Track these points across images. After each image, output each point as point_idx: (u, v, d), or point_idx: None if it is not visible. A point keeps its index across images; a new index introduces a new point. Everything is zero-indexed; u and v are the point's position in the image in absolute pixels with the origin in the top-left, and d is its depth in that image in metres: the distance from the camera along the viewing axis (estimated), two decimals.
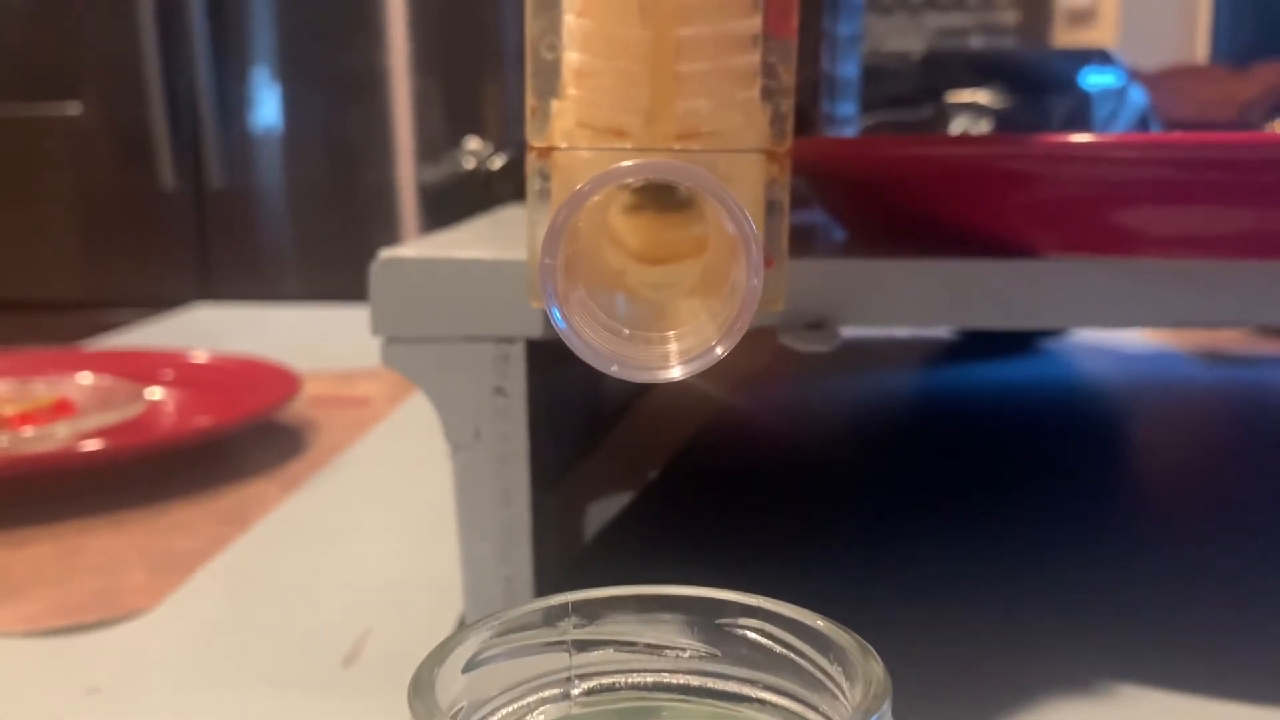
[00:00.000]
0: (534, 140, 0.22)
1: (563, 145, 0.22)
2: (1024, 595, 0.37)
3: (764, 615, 0.15)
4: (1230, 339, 0.78)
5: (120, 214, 1.59)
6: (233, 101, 1.55)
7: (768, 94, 0.22)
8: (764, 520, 0.44)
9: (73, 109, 1.56)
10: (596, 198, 0.16)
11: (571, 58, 0.22)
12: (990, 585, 0.37)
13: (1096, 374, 0.72)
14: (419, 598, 0.37)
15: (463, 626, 0.14)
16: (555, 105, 0.22)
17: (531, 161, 0.22)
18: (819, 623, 0.15)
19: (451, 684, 0.14)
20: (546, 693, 0.15)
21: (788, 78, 0.22)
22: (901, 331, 0.80)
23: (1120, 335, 0.80)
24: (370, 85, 1.54)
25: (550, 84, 0.22)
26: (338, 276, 1.28)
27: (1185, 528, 0.44)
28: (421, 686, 0.13)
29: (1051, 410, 0.63)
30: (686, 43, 0.21)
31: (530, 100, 0.22)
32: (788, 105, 0.22)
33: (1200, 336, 0.79)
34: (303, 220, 1.59)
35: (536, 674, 0.15)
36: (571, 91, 0.22)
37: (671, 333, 0.17)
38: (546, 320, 0.31)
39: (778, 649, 0.15)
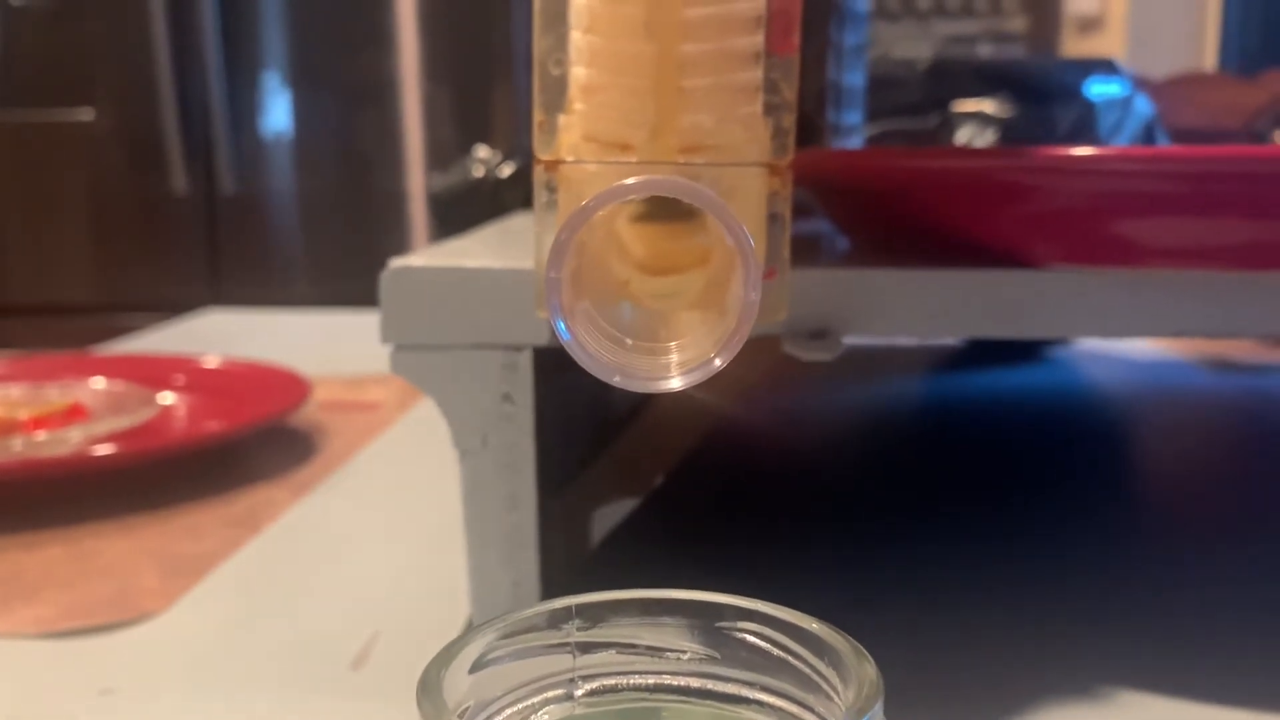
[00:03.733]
0: (541, 153, 0.23)
1: (569, 158, 0.23)
2: (1027, 603, 0.37)
3: (761, 619, 0.16)
4: (1237, 347, 0.79)
5: (132, 219, 1.60)
6: (244, 108, 1.56)
7: (770, 109, 0.23)
8: (768, 526, 0.44)
9: (85, 115, 1.57)
10: (601, 213, 0.16)
11: (578, 73, 0.22)
12: (995, 592, 0.38)
13: (1103, 382, 0.72)
14: (427, 601, 0.37)
15: (469, 629, 0.15)
16: (562, 119, 0.23)
17: (538, 174, 0.23)
18: (814, 626, 0.15)
19: (458, 684, 0.14)
20: (550, 693, 0.16)
21: (789, 93, 0.23)
22: (907, 339, 0.80)
23: (1127, 343, 0.80)
24: (380, 92, 1.55)
25: (557, 99, 0.23)
26: (347, 282, 1.29)
27: (1192, 535, 0.45)
28: (430, 687, 0.13)
29: (1057, 418, 0.63)
30: (691, 59, 0.22)
31: (537, 115, 0.23)
32: (789, 120, 0.23)
33: (1207, 345, 0.79)
34: (313, 226, 1.60)
35: (540, 675, 0.16)
36: (578, 106, 0.22)
37: (674, 343, 0.17)
38: (553, 329, 0.31)
39: (775, 651, 0.15)
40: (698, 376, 0.16)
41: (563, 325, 0.16)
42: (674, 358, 0.16)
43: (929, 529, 0.44)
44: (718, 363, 0.16)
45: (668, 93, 0.22)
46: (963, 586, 0.38)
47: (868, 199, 0.34)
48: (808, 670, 0.15)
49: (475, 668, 0.15)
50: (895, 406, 0.66)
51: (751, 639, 0.16)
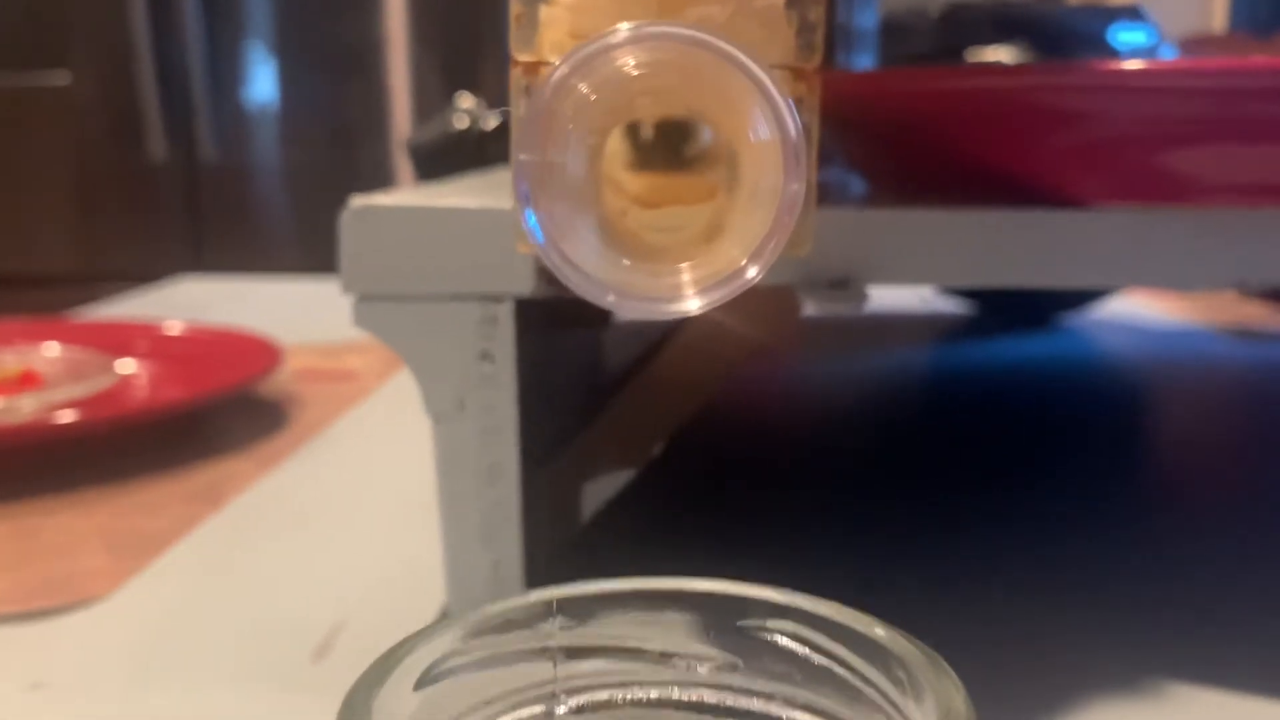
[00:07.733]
0: (519, 53, 0.19)
1: (552, 60, 0.19)
2: (1047, 578, 0.34)
3: (800, 616, 0.12)
4: (1258, 315, 0.75)
5: (111, 186, 1.56)
6: (225, 72, 1.51)
7: (793, 1, 0.19)
8: (773, 500, 0.41)
9: (61, 79, 1.52)
10: (583, 86, 0.13)
11: None
12: (1013, 567, 0.34)
13: (1120, 351, 0.69)
14: (399, 587, 0.34)
15: (415, 633, 0.11)
16: (544, 12, 0.19)
17: (515, 78, 0.19)
18: (877, 630, 0.11)
19: (400, 705, 0.11)
20: (524, 712, 0.12)
21: None
22: (918, 307, 0.77)
23: (1145, 311, 0.77)
24: (366, 57, 1.50)
25: None
26: (332, 250, 1.25)
27: (1213, 509, 0.41)
28: (356, 712, 0.10)
29: (1074, 389, 0.60)
30: None
31: (515, 5, 0.19)
32: (817, 14, 0.19)
33: (1228, 313, 0.76)
34: (296, 194, 1.56)
35: (512, 689, 0.12)
36: None
37: (684, 264, 0.13)
38: (539, 277, 0.28)
39: (816, 659, 0.12)
40: (724, 293, 0.12)
41: (534, 219, 0.12)
42: (687, 276, 0.13)
43: (941, 506, 0.41)
44: (751, 273, 0.12)
45: None
46: (976, 562, 0.35)
47: (890, 129, 0.30)
48: (859, 683, 0.11)
49: (424, 682, 0.11)
50: (905, 377, 0.63)
51: (785, 642, 0.12)
